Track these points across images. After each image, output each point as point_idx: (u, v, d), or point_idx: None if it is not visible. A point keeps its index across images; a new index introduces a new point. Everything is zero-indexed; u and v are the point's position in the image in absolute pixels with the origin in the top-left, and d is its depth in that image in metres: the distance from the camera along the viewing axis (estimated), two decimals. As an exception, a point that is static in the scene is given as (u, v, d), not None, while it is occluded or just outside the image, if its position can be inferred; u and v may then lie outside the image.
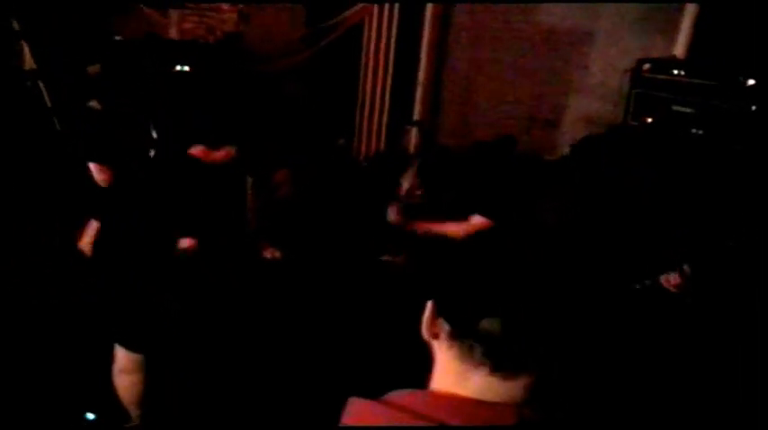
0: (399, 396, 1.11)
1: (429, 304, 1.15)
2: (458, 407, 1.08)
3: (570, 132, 5.49)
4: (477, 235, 3.74)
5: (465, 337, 1.09)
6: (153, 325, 2.48)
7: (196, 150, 3.42)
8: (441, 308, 1.14)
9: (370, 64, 6.41)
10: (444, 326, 1.12)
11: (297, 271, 3.70)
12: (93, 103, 4.89)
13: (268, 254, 3.82)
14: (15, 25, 5.60)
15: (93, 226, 3.17)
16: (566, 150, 5.34)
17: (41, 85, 5.47)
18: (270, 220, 4.25)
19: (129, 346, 2.59)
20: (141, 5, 6.19)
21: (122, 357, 2.62)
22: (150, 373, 2.52)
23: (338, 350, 3.26)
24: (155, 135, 3.70)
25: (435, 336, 1.14)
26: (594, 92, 5.55)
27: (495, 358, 1.07)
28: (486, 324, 1.06)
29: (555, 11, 5.63)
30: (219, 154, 3.47)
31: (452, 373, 1.11)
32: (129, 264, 2.87)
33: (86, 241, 3.19)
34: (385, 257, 4.34)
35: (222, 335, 2.48)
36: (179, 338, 2.46)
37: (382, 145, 6.41)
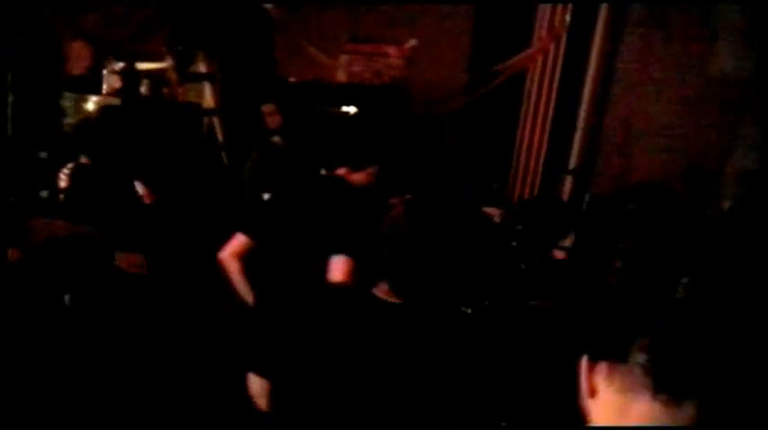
0: None
1: (583, 360, 1.12)
2: None
3: (731, 186, 5.21)
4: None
5: (623, 362, 1.04)
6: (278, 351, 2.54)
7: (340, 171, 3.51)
8: (596, 352, 1.10)
9: (530, 110, 6.39)
10: (602, 369, 1.08)
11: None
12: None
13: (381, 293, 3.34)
14: (202, 68, 6.19)
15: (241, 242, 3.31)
16: (726, 204, 5.06)
17: (216, 121, 6.00)
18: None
19: (258, 372, 2.68)
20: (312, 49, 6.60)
21: (254, 383, 2.71)
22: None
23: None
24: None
25: (593, 393, 1.10)
26: (761, 147, 5.21)
27: (656, 376, 1.00)
28: (644, 341, 1.02)
29: (731, 61, 5.35)
30: (359, 176, 3.51)
31: (612, 408, 1.06)
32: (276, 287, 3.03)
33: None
34: (534, 302, 4.24)
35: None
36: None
37: (536, 191, 6.35)
